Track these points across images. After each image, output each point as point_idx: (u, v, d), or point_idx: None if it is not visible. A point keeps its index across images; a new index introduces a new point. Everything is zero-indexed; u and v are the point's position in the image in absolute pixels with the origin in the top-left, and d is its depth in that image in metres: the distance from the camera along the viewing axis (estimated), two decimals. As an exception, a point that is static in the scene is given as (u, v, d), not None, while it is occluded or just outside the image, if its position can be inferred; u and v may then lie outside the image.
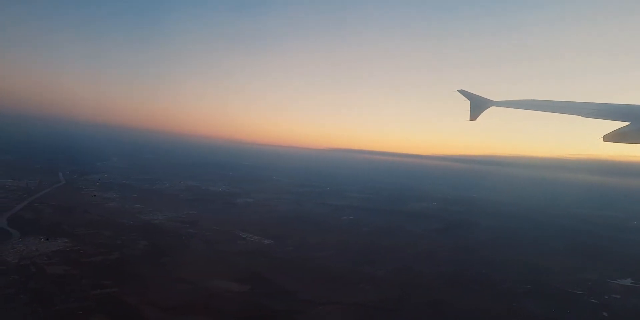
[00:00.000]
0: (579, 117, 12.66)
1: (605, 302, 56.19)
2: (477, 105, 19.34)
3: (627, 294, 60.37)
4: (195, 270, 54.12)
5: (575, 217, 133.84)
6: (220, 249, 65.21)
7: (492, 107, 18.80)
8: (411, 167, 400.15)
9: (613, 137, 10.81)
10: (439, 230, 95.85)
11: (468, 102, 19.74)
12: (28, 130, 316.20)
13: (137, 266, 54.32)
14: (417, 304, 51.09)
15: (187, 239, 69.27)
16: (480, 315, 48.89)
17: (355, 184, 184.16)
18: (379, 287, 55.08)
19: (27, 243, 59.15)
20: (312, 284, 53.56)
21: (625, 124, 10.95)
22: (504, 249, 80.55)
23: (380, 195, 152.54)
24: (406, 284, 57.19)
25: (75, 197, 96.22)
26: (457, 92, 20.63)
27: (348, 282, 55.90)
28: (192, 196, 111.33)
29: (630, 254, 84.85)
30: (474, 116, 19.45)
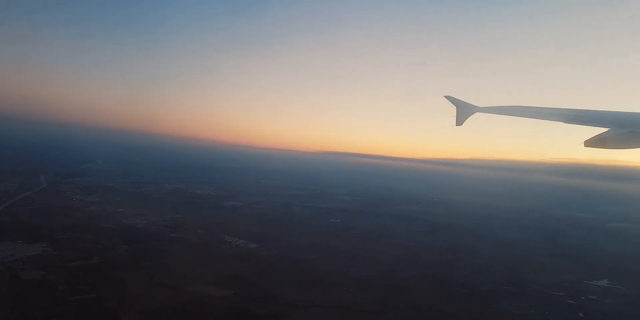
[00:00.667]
0: (562, 122, 12.99)
1: (582, 303, 57.12)
2: (463, 111, 19.89)
3: (603, 294, 61.45)
4: (177, 275, 53.74)
5: (555, 219, 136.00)
6: (203, 253, 64.76)
7: (477, 113, 19.27)
8: (400, 170, 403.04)
9: (594, 142, 11.27)
10: (423, 232, 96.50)
11: (454, 107, 20.27)
12: (10, 131, 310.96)
13: (117, 271, 53.69)
14: (399, 306, 51.47)
15: (170, 243, 68.68)
16: (461, 317, 49.41)
17: (344, 187, 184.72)
18: (363, 290, 55.29)
19: (2, 248, 57.84)
20: (296, 287, 53.56)
21: (605, 129, 11.30)
22: (486, 251, 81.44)
23: (368, 198, 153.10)
24: (390, 286, 57.53)
25: (56, 200, 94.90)
26: (444, 98, 21.20)
27: (332, 284, 56.01)
28: (177, 199, 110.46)
29: (606, 255, 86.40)
30: (460, 121, 20.00)
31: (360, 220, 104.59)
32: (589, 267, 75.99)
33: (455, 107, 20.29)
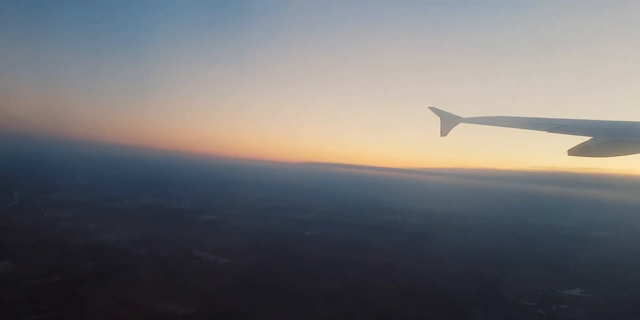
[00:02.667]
0: (545, 132, 13.03)
1: (552, 313, 57.29)
2: (447, 122, 20.11)
3: (574, 304, 61.75)
4: (140, 293, 52.44)
5: (534, 227, 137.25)
6: (171, 269, 63.36)
7: (462, 123, 19.48)
8: (383, 180, 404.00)
9: (577, 151, 11.34)
10: (399, 243, 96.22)
11: (439, 118, 20.46)
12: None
13: (79, 289, 52.19)
14: (368, 318, 51.14)
15: (137, 259, 67.11)
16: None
17: (325, 198, 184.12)
18: (333, 303, 54.65)
19: (-38, 267, 56.28)
20: (263, 303, 52.66)
21: (588, 138, 11.38)
22: (462, 261, 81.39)
23: (347, 209, 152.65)
24: (360, 298, 57.07)
25: (26, 217, 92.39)
26: (428, 109, 21.35)
27: (301, 299, 55.20)
28: (151, 214, 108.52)
29: (583, 263, 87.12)
30: (444, 132, 20.21)
31: (337, 232, 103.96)
32: (563, 276, 76.42)
33: (439, 118, 20.57)
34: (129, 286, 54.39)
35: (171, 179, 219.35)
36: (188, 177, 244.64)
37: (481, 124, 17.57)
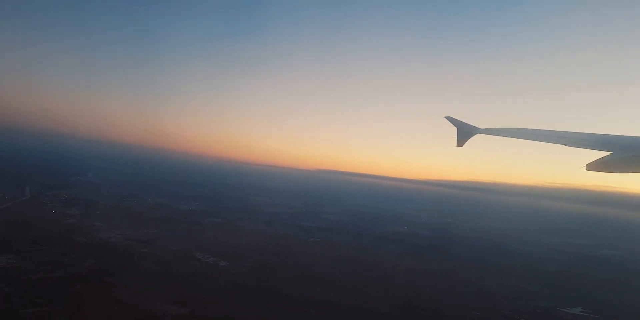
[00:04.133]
0: (563, 146, 12.93)
1: (550, 331, 56.14)
2: (464, 132, 19.80)
3: (574, 323, 60.43)
4: (137, 291, 52.98)
5: (545, 244, 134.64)
6: (170, 270, 63.90)
7: (478, 134, 19.20)
8: (395, 191, 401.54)
9: (595, 166, 11.20)
10: (402, 254, 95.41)
11: (455, 128, 20.19)
12: (1, 142, 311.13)
13: (78, 285, 52.98)
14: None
15: (138, 258, 67.87)
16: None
17: (333, 206, 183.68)
18: (327, 312, 54.44)
19: (-33, 259, 57.54)
20: (257, 308, 52.74)
21: (607, 153, 11.29)
22: (463, 275, 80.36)
23: (354, 218, 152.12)
24: (355, 308, 56.72)
25: (35, 212, 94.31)
26: (445, 119, 21.12)
27: (296, 306, 55.12)
28: (157, 214, 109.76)
29: (588, 282, 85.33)
30: (460, 143, 19.91)
31: (340, 240, 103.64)
32: (566, 294, 75.02)
33: (455, 128, 20.26)
34: (127, 285, 55.00)
35: (183, 180, 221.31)
36: (200, 179, 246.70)
37: (498, 135, 17.33)
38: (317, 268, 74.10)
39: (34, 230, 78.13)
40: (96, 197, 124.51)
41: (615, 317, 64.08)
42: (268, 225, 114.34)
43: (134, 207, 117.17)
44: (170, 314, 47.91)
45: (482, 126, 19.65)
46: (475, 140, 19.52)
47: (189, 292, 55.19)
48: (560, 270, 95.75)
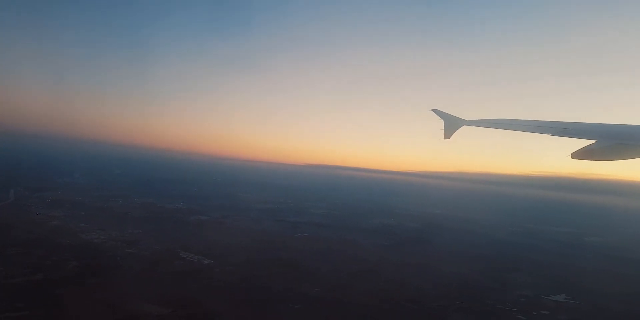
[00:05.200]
0: (549, 135, 13.08)
1: (532, 319, 56.99)
2: (451, 125, 20.11)
3: (556, 310, 61.46)
4: (120, 292, 52.71)
5: (529, 233, 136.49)
6: (154, 269, 63.67)
7: (465, 126, 19.46)
8: (384, 183, 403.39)
9: (581, 154, 11.41)
10: (388, 246, 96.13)
11: (442, 121, 20.51)
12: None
13: (59, 288, 52.61)
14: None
15: (122, 259, 67.49)
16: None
17: (322, 201, 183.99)
18: (311, 306, 54.73)
19: (-55, 264, 56.74)
20: (240, 305, 52.79)
21: (592, 141, 11.47)
22: (448, 266, 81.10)
23: (342, 211, 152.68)
24: (339, 301, 57.05)
25: (18, 215, 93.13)
26: (432, 112, 21.46)
27: (280, 301, 55.31)
28: (143, 214, 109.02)
29: (572, 269, 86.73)
30: (447, 135, 20.17)
31: (328, 234, 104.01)
32: (550, 282, 76.08)
33: (442, 120, 20.54)
34: (109, 286, 54.68)
35: (170, 179, 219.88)
36: (188, 177, 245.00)
37: (484, 126, 17.58)
38: (302, 263, 74.33)
39: (16, 233, 77.21)
40: (82, 198, 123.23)
41: (599, 304, 65.18)
42: (255, 222, 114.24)
43: (119, 207, 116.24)
44: (152, 314, 47.81)
45: (468, 118, 19.98)
46: (462, 131, 19.80)
47: (172, 291, 55.04)
48: (544, 258, 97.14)
